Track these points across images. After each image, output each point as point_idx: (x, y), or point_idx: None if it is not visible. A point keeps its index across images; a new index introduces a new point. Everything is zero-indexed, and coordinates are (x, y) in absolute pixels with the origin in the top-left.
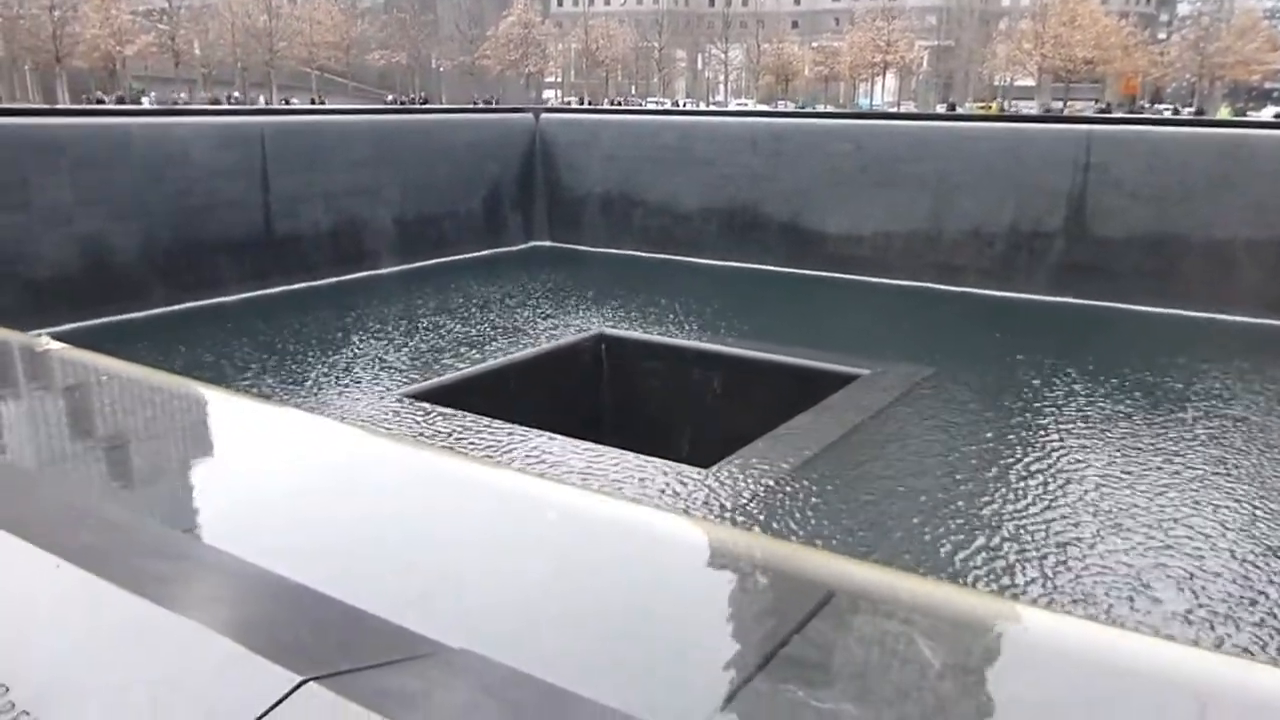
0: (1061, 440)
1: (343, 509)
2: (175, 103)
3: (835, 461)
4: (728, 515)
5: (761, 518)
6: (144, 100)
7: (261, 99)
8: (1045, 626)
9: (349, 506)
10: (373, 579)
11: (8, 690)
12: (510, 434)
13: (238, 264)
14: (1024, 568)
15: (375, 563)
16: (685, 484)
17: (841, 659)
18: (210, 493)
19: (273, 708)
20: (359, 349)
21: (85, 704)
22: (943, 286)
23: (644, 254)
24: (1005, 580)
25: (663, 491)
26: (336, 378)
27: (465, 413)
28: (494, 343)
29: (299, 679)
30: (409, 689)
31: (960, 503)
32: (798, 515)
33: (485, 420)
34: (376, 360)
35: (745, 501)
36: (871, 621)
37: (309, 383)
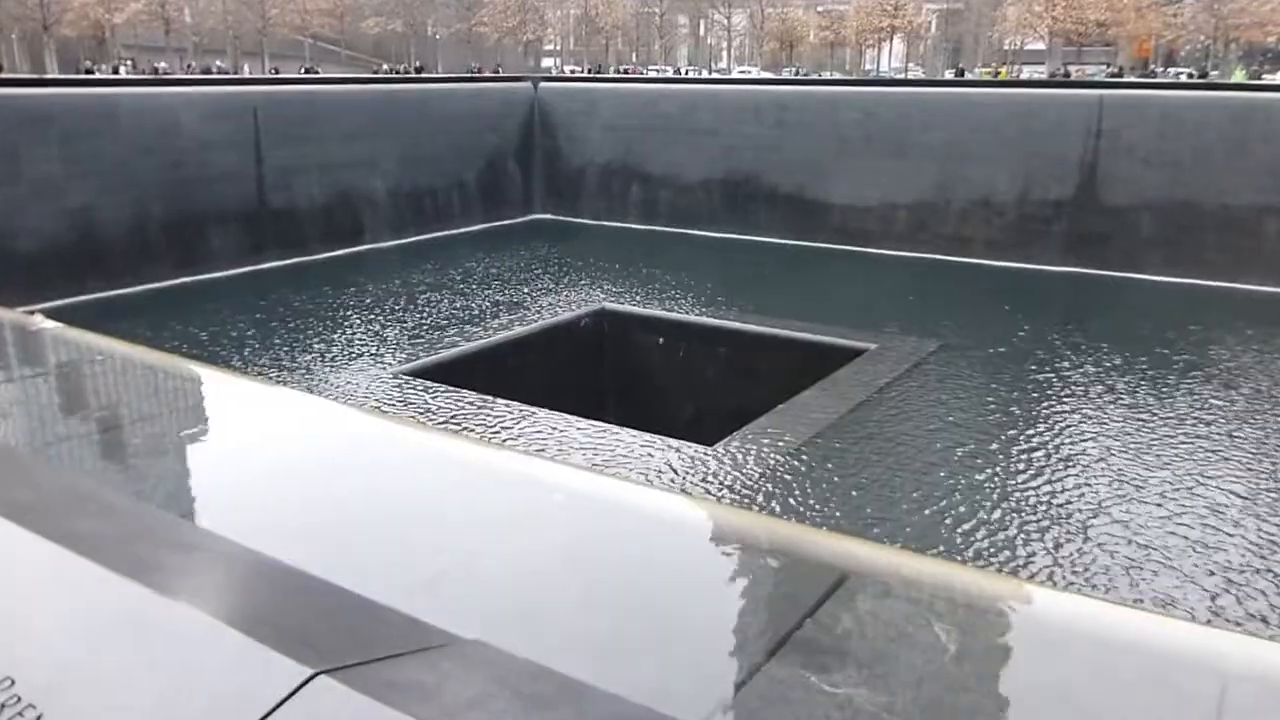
0: (1072, 413)
1: (346, 493)
2: (155, 72)
3: (842, 437)
4: (732, 493)
5: (767, 496)
6: (122, 70)
7: (246, 68)
8: (1061, 607)
9: (353, 490)
10: (380, 566)
11: (13, 683)
12: (510, 411)
13: (230, 238)
14: (1037, 544)
15: (381, 549)
16: (688, 461)
17: (855, 643)
18: (210, 476)
19: (283, 702)
20: (356, 326)
21: (92, 697)
22: (951, 258)
23: (645, 226)
24: (1019, 556)
25: (666, 468)
26: (333, 355)
27: (465, 390)
28: (493, 318)
29: (310, 672)
30: (422, 682)
31: (971, 478)
32: (805, 493)
33: (485, 398)
34: (374, 337)
35: (750, 478)
36: (885, 604)
37: (305, 361)
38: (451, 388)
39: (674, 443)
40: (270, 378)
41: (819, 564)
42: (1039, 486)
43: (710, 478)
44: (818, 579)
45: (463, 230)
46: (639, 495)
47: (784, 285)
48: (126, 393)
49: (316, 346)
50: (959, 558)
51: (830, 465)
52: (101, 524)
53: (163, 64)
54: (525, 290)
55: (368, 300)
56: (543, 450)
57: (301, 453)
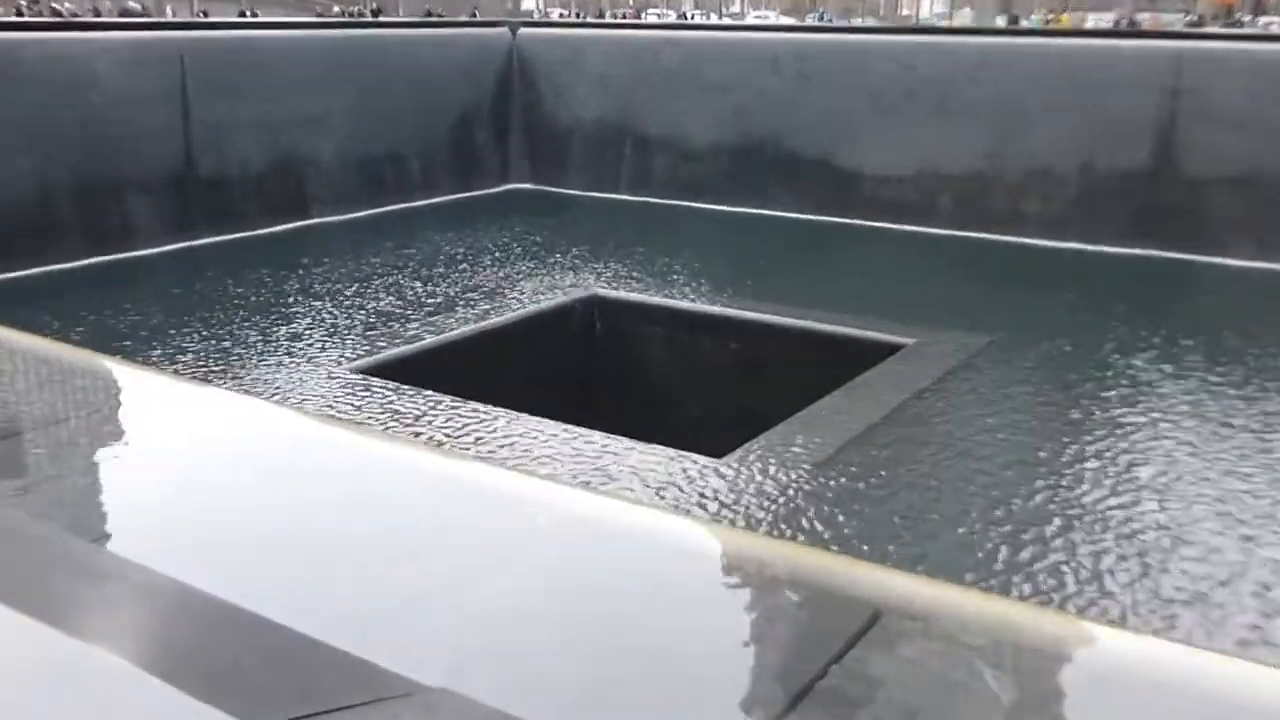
0: (1145, 423)
1: (289, 512)
2: (60, 14)
3: (874, 450)
4: (744, 515)
5: (786, 518)
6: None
7: (170, 10)
8: (1135, 651)
9: (296, 509)
10: (328, 600)
11: None
12: (484, 416)
13: (153, 211)
14: (1106, 579)
15: (330, 579)
16: (693, 476)
17: (891, 693)
18: (128, 493)
19: None
20: (300, 315)
21: None
22: (1003, 237)
23: (643, 198)
24: (1084, 591)
25: (666, 484)
26: (274, 350)
27: (429, 391)
28: (464, 307)
29: None
30: None
31: (1027, 499)
32: (830, 516)
33: (454, 400)
34: (322, 329)
35: (766, 498)
36: (926, 647)
37: (241, 356)
38: (413, 388)
39: (676, 454)
40: (199, 376)
41: (847, 599)
42: (1107, 509)
43: (718, 496)
44: (846, 617)
45: (429, 202)
46: (635, 517)
47: (806, 267)
48: (28, 394)
49: (254, 339)
50: (1013, 592)
51: (860, 483)
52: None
53: (69, 3)
54: (501, 273)
55: (315, 285)
56: (522, 462)
57: (236, 464)
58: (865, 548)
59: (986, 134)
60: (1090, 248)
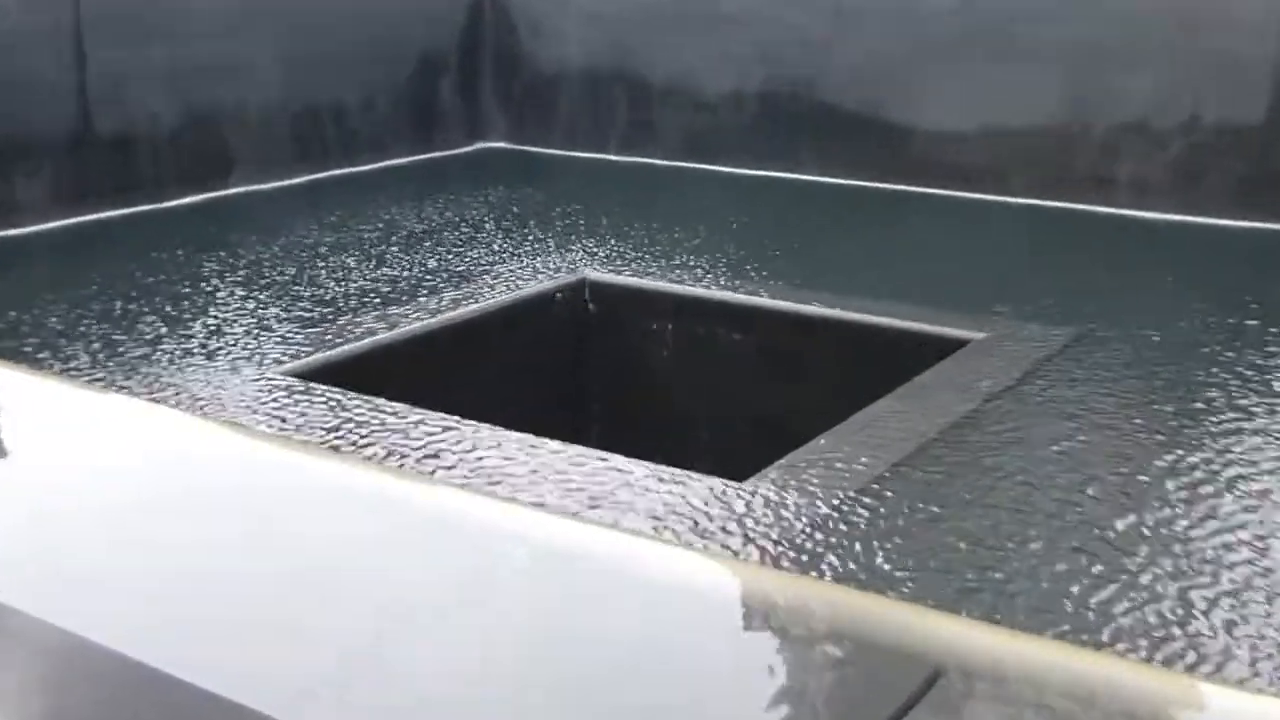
0: (1264, 438)
1: (203, 547)
2: None
3: (931, 471)
4: (771, 551)
5: (822, 556)
6: None
7: None
8: (1250, 714)
9: (213, 543)
10: (252, 655)
11: None
12: (448, 430)
13: (39, 179)
14: (1213, 627)
15: (255, 631)
16: (708, 503)
17: None
18: (8, 524)
19: None
20: (224, 305)
21: None
22: (1089, 207)
23: (645, 160)
24: (1188, 647)
25: (676, 514)
26: (189, 349)
27: (381, 399)
28: (425, 295)
29: None
30: None
31: (1118, 534)
32: (876, 554)
33: (411, 409)
34: (250, 322)
35: (797, 530)
36: (998, 712)
37: (149, 357)
38: (361, 395)
39: (687, 476)
40: (98, 381)
41: (902, 654)
42: (1217, 545)
43: (740, 528)
44: (901, 675)
45: (381, 165)
46: (638, 553)
47: (846, 245)
48: None
49: (165, 336)
50: (1100, 646)
51: (914, 513)
52: None
53: None
54: (471, 253)
55: (240, 268)
56: (495, 486)
57: (139, 488)
58: (921, 592)
59: (1066, 82)
60: (1198, 220)
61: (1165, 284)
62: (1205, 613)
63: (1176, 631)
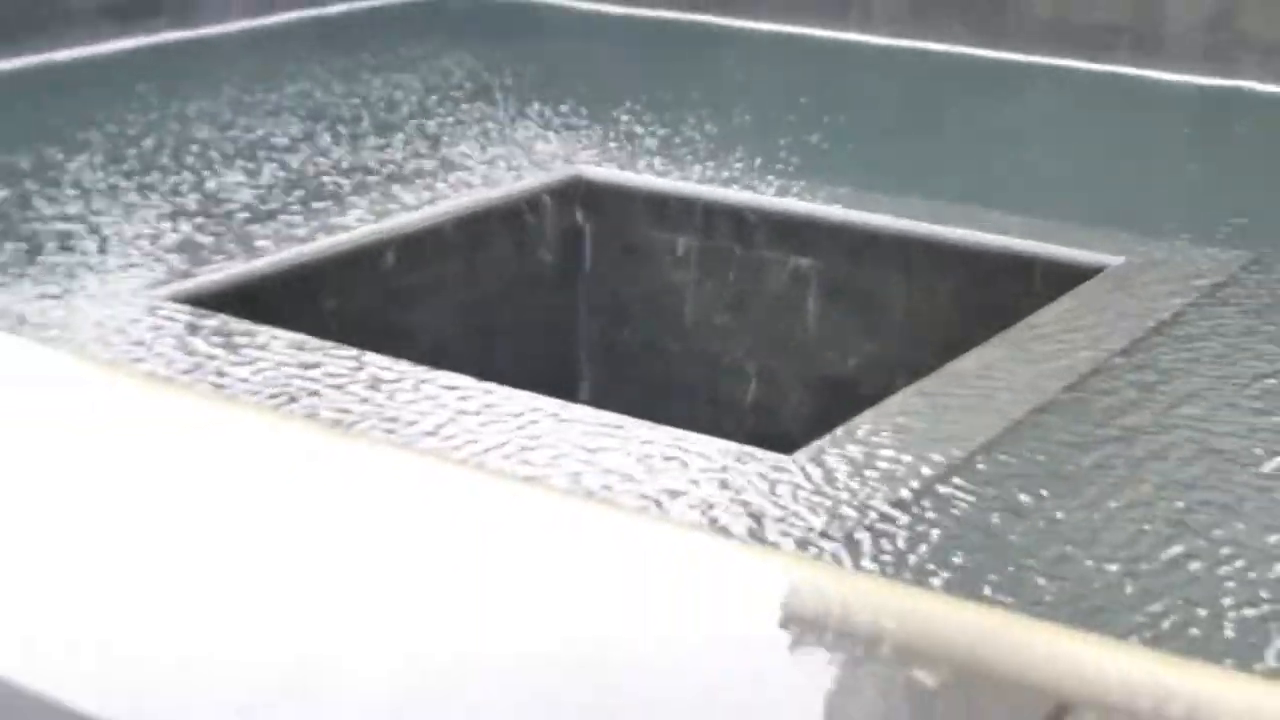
0: None
1: (87, 527)
2: None
3: (1044, 445)
4: (828, 544)
5: (898, 555)
6: None
7: None
8: None
9: (99, 523)
10: (184, 669)
11: None
12: (400, 377)
13: None
14: None
15: (167, 648)
16: (749, 484)
17: None
18: None
19: None
20: (79, 201)
21: None
22: (1272, 86)
23: (666, 12)
24: None
25: (705, 495)
26: (38, 260)
27: (297, 334)
28: (361, 194)
29: None
30: None
31: None
32: (972, 554)
33: (336, 349)
34: (116, 227)
35: (867, 520)
36: None
37: None
38: (276, 328)
39: (719, 446)
40: None
41: (1014, 682)
42: None
43: (788, 514)
44: (1018, 711)
45: (301, 14)
46: (670, 547)
47: (934, 135)
48: None
49: (14, 243)
50: (1263, 671)
51: (1020, 500)
52: None
53: None
54: (426, 137)
55: (124, 145)
56: (458, 452)
57: (16, 447)
58: (1034, 604)
59: None
60: None
61: None
62: None
63: None
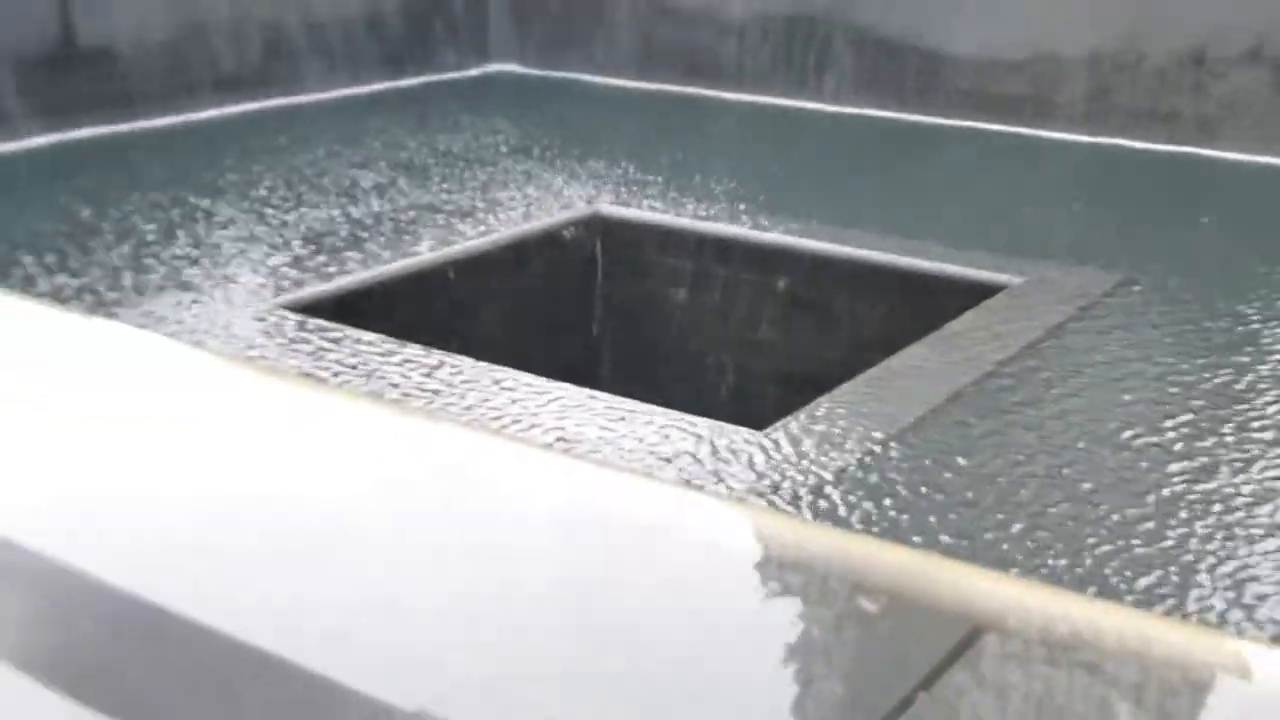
0: None
1: (212, 486)
2: None
3: (964, 422)
4: (794, 501)
5: (848, 508)
6: None
7: None
8: None
9: (212, 482)
10: (275, 602)
11: None
12: (454, 370)
13: (15, 92)
14: (1260, 590)
15: (267, 574)
16: (728, 453)
17: None
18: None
19: None
20: (209, 233)
21: None
22: (1142, 144)
23: (667, 86)
24: (1233, 608)
25: (693, 462)
26: (177, 279)
27: (379, 336)
28: (426, 228)
29: None
30: None
31: (1162, 492)
32: (906, 507)
33: (410, 348)
34: (238, 252)
35: (822, 481)
36: (1038, 670)
37: (134, 285)
38: (361, 331)
39: (705, 424)
40: (86, 307)
41: (938, 610)
42: (1265, 506)
43: (762, 477)
44: (937, 632)
45: (377, 88)
46: (662, 503)
47: (879, 182)
48: None
49: (150, 265)
50: (1143, 605)
51: (946, 465)
52: None
53: None
54: (477, 183)
55: (229, 191)
56: (505, 428)
57: (136, 424)
58: (955, 547)
59: (1124, 3)
60: (1255, 159)
61: (1223, 225)
62: (1248, 574)
63: (1219, 590)
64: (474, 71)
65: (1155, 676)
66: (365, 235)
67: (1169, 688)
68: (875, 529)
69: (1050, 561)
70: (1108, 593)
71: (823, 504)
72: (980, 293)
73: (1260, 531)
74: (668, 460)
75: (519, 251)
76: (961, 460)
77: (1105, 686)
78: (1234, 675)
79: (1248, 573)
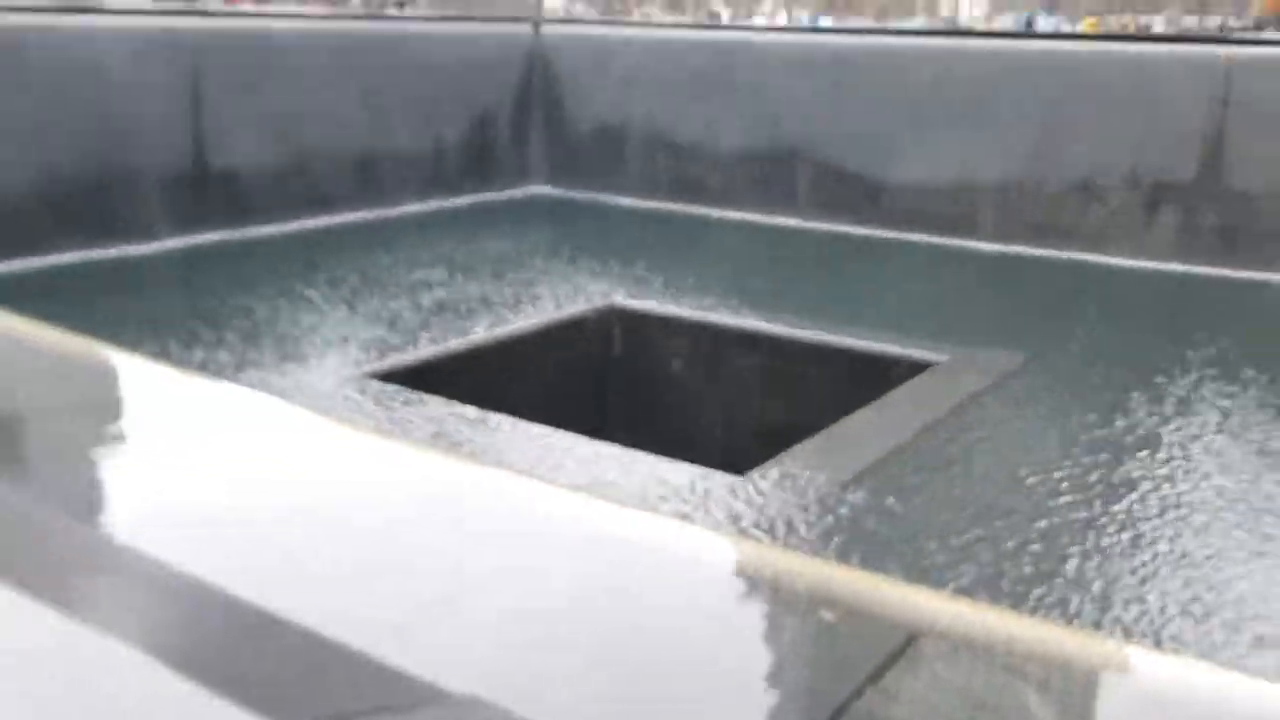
0: (1190, 451)
1: (302, 513)
2: None
3: (903, 469)
4: (768, 531)
5: (811, 537)
6: None
7: None
8: (1171, 674)
9: (310, 510)
10: (349, 603)
11: None
12: (498, 426)
13: (158, 206)
14: (1153, 608)
15: (350, 583)
16: (714, 493)
17: (929, 716)
18: (139, 487)
19: None
20: (309, 316)
21: None
22: (1042, 251)
23: (668, 205)
24: (1125, 619)
25: (686, 499)
26: (284, 350)
27: (442, 399)
28: (479, 314)
29: None
30: None
31: (1067, 524)
32: (857, 535)
33: (466, 409)
34: (331, 331)
35: (790, 515)
36: (965, 669)
37: (246, 356)
38: (426, 395)
39: (696, 470)
40: (208, 372)
41: (881, 620)
42: (1153, 536)
43: (742, 513)
44: (880, 639)
45: (443, 205)
46: (660, 530)
47: (838, 282)
48: (34, 382)
49: (263, 339)
50: (1052, 616)
51: (889, 502)
52: (8, 537)
53: None
54: (519, 280)
55: (323, 285)
56: (538, 473)
57: (249, 463)
58: (896, 568)
59: (1028, 144)
60: (1137, 264)
61: (1111, 318)
62: (1141, 592)
63: (1117, 605)
64: (516, 192)
65: (1057, 674)
66: (433, 319)
67: (1069, 683)
68: (831, 553)
69: (971, 574)
70: (1015, 600)
71: (789, 533)
72: (915, 368)
73: (1127, 549)
74: (664, 497)
75: (551, 334)
76: (901, 499)
77: (1019, 682)
78: (1119, 673)
79: (1119, 583)
